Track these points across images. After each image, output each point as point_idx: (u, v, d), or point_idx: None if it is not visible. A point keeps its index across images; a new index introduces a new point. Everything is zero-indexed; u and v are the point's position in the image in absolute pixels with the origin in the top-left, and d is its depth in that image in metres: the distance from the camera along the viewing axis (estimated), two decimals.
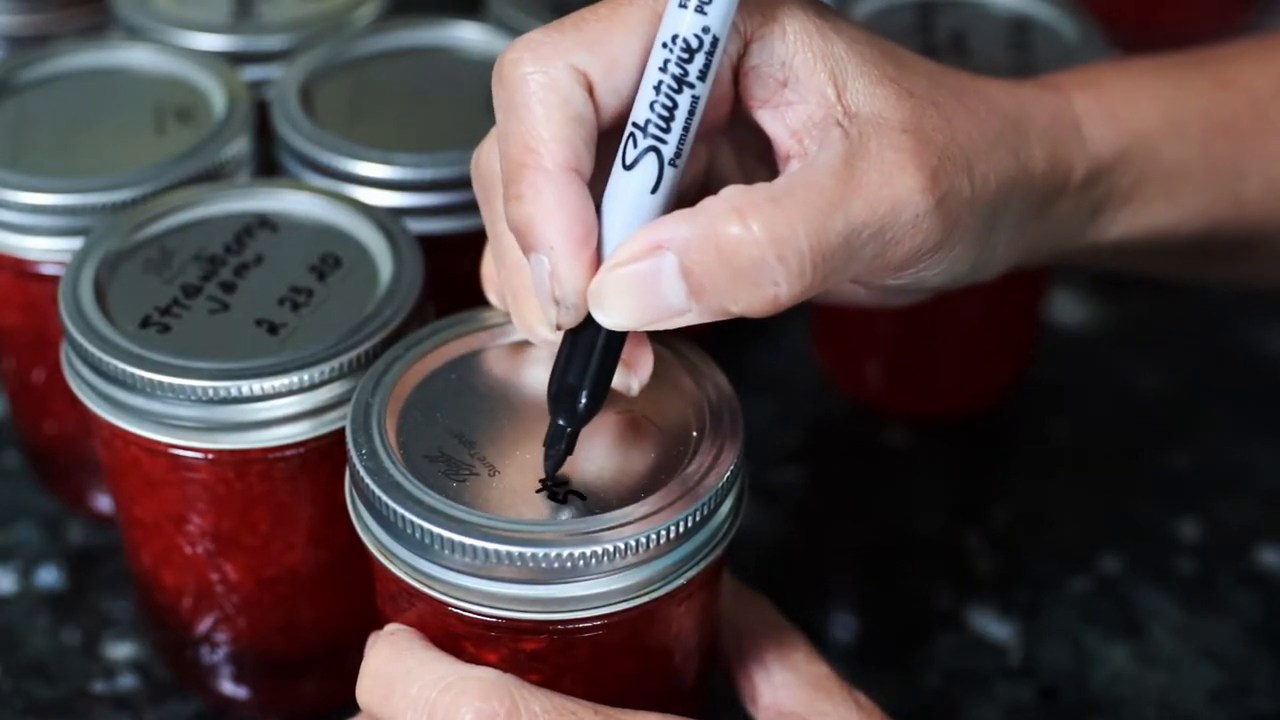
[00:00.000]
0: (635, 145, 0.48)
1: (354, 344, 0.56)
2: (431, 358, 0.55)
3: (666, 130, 0.48)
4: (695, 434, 0.52)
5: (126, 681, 0.66)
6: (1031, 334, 0.80)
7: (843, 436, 0.79)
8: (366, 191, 0.65)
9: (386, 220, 0.61)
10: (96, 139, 0.67)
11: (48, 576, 0.70)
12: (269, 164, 0.69)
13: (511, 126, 0.48)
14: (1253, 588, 0.71)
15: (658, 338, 0.55)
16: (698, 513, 0.49)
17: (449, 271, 0.61)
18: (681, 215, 0.47)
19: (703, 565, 0.51)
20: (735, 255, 0.46)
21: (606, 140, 0.49)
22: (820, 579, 0.71)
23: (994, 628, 0.69)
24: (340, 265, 0.59)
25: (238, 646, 0.61)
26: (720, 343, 0.56)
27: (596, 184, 0.49)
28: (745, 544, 0.58)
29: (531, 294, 0.50)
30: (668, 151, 0.48)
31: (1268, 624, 0.69)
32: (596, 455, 0.51)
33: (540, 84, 0.48)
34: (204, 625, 0.61)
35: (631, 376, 0.52)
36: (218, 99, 0.69)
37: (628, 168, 0.48)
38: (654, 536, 0.49)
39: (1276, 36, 0.64)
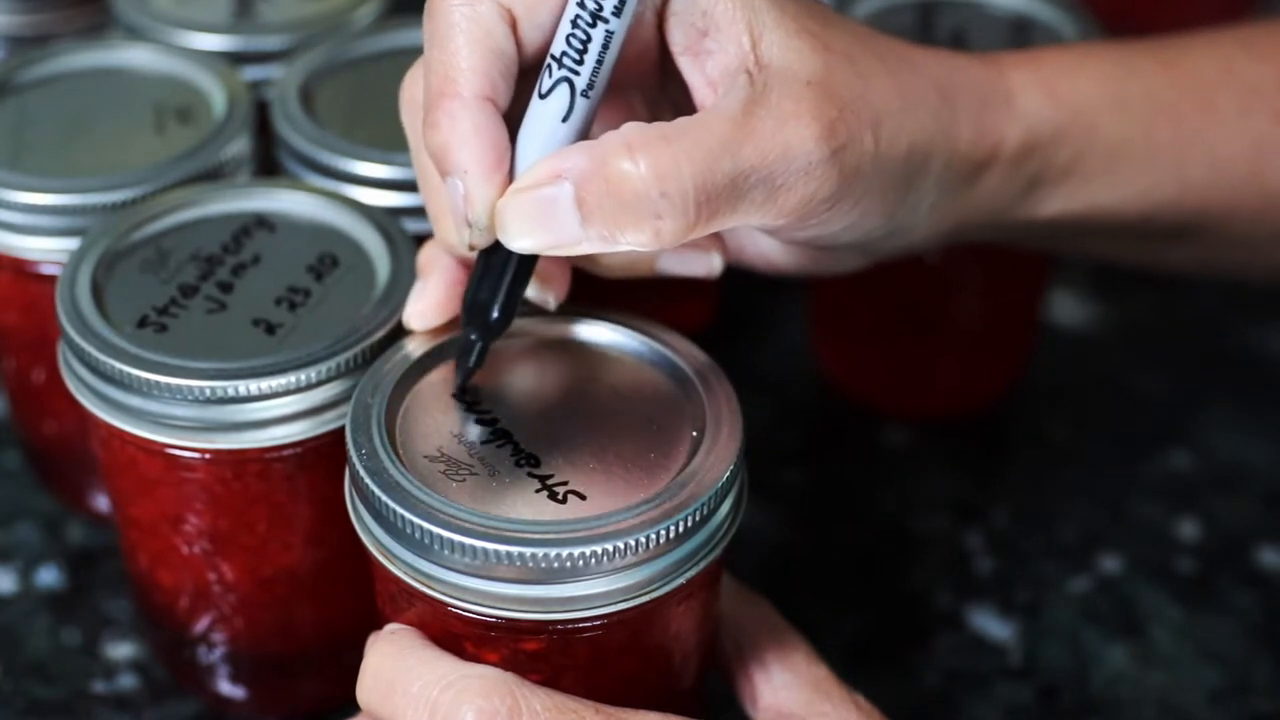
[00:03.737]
0: (550, 75, 0.50)
1: (351, 344, 0.56)
2: (431, 358, 0.55)
3: (580, 62, 0.50)
4: (695, 434, 0.52)
5: (126, 681, 0.66)
6: (1031, 334, 0.80)
7: (843, 436, 0.79)
8: (366, 191, 0.65)
9: (384, 220, 0.61)
10: (96, 139, 0.67)
11: (48, 576, 0.70)
12: (269, 164, 0.69)
13: (434, 57, 0.51)
14: (1253, 588, 0.71)
15: (658, 337, 0.55)
16: (697, 513, 0.49)
17: None
18: (581, 146, 0.49)
19: (702, 565, 0.51)
20: (621, 188, 0.48)
21: (528, 79, 0.51)
22: (820, 579, 0.71)
23: (994, 628, 0.69)
24: (338, 265, 0.59)
25: (235, 646, 0.61)
26: (720, 343, 0.56)
27: (515, 120, 0.51)
28: (745, 544, 0.58)
29: (448, 214, 0.52)
30: (580, 83, 0.50)
31: (1268, 624, 0.69)
32: (597, 455, 0.52)
33: (465, 16, 0.50)
34: (201, 625, 0.61)
35: (548, 292, 0.55)
36: (218, 99, 0.69)
37: (542, 97, 0.50)
38: (654, 536, 0.49)
39: (1228, 28, 0.64)
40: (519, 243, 0.49)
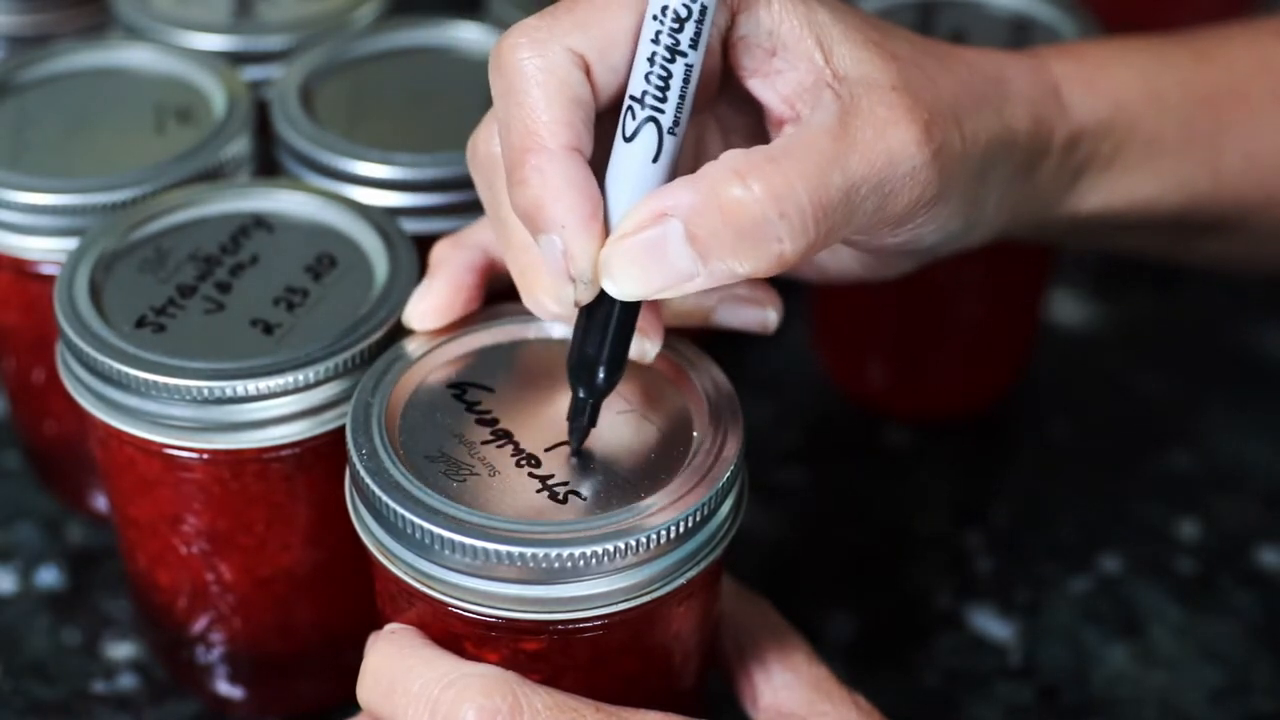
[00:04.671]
0: (634, 117, 0.49)
1: (349, 344, 0.56)
2: (431, 357, 0.55)
3: (663, 100, 0.49)
4: (695, 434, 0.52)
5: (126, 681, 0.66)
6: (1031, 334, 0.80)
7: (843, 436, 0.79)
8: (366, 191, 0.65)
9: (382, 220, 0.61)
10: (96, 139, 0.67)
11: (48, 576, 0.70)
12: (269, 164, 0.69)
13: (512, 112, 0.49)
14: (1253, 588, 0.71)
15: None
16: (697, 513, 0.49)
17: None
18: (683, 181, 0.48)
19: (703, 565, 0.51)
20: (738, 215, 0.47)
21: (604, 122, 0.50)
22: (820, 579, 0.71)
23: (994, 628, 0.69)
24: (336, 265, 0.59)
25: (233, 647, 0.61)
26: (720, 343, 0.56)
27: (597, 165, 0.50)
28: (745, 544, 0.58)
29: (540, 273, 0.51)
30: (666, 120, 0.49)
31: (1268, 624, 0.69)
32: (597, 455, 0.51)
33: (538, 68, 0.49)
34: (199, 625, 0.61)
35: (646, 343, 0.53)
36: (218, 99, 0.69)
37: (628, 139, 0.49)
38: (654, 536, 0.49)
39: (1262, 21, 0.64)
40: (629, 289, 0.48)
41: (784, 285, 0.84)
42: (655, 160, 0.49)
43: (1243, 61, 0.62)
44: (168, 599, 0.61)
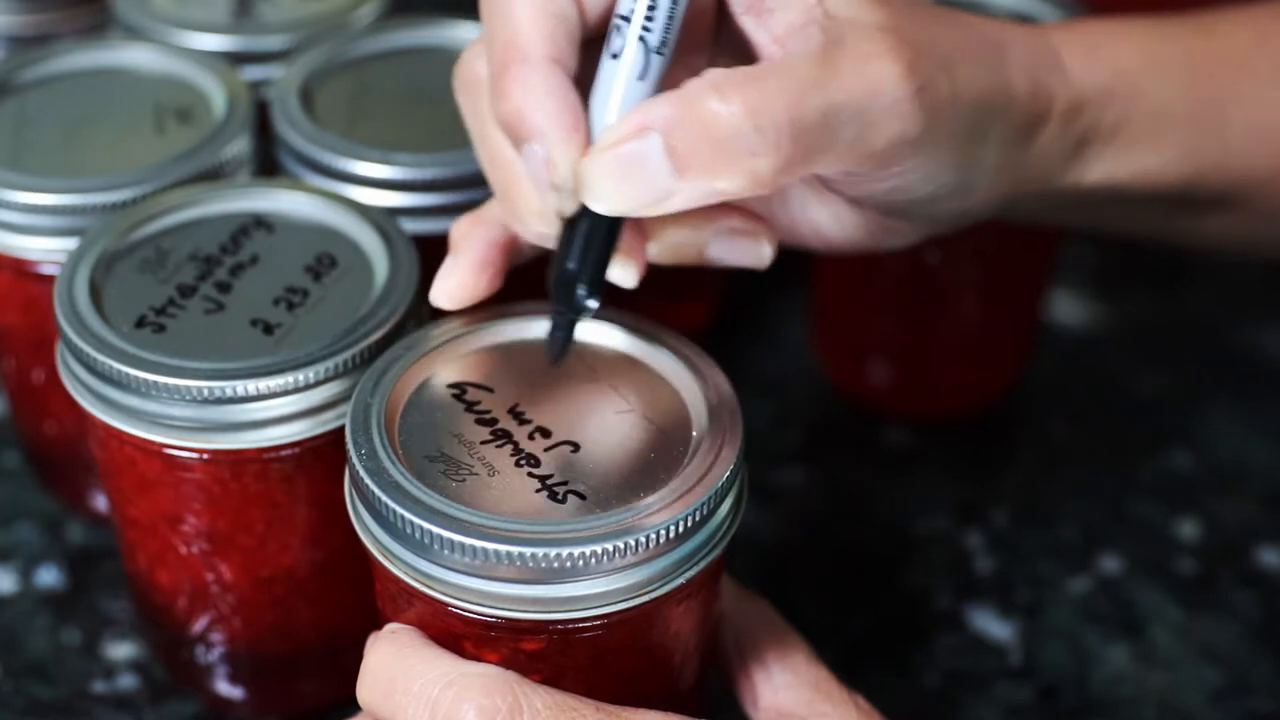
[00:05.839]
0: (621, 35, 0.50)
1: (349, 344, 0.56)
2: (431, 357, 0.55)
3: (651, 19, 0.50)
4: (695, 434, 0.52)
5: (126, 681, 0.66)
6: (1031, 334, 0.80)
7: (843, 436, 0.79)
8: (366, 191, 0.65)
9: (382, 220, 0.61)
10: (96, 139, 0.67)
11: (48, 576, 0.70)
12: (269, 164, 0.69)
13: (497, 27, 0.51)
14: (1253, 588, 0.71)
15: (658, 337, 0.55)
16: (697, 513, 0.49)
17: None
18: (664, 97, 0.49)
19: (702, 565, 0.51)
20: (715, 128, 0.48)
21: (591, 49, 0.51)
22: (820, 579, 0.71)
23: (994, 628, 0.69)
24: (336, 265, 0.59)
25: (233, 647, 0.61)
26: (720, 343, 0.56)
27: (584, 88, 0.50)
28: (745, 544, 0.58)
29: (524, 187, 0.52)
30: (653, 40, 0.50)
31: (1268, 624, 0.69)
32: (596, 455, 0.52)
33: None
34: (199, 625, 0.61)
35: (630, 266, 0.53)
36: (218, 99, 0.69)
37: (614, 57, 0.50)
38: (654, 536, 0.49)
39: (1258, 4, 0.65)
40: (607, 203, 0.49)
41: (785, 283, 0.84)
42: (640, 78, 0.50)
43: (1242, 36, 0.63)
44: (168, 599, 0.61)
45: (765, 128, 0.48)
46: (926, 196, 0.55)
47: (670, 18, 0.50)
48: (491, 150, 0.53)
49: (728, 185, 0.48)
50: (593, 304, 0.52)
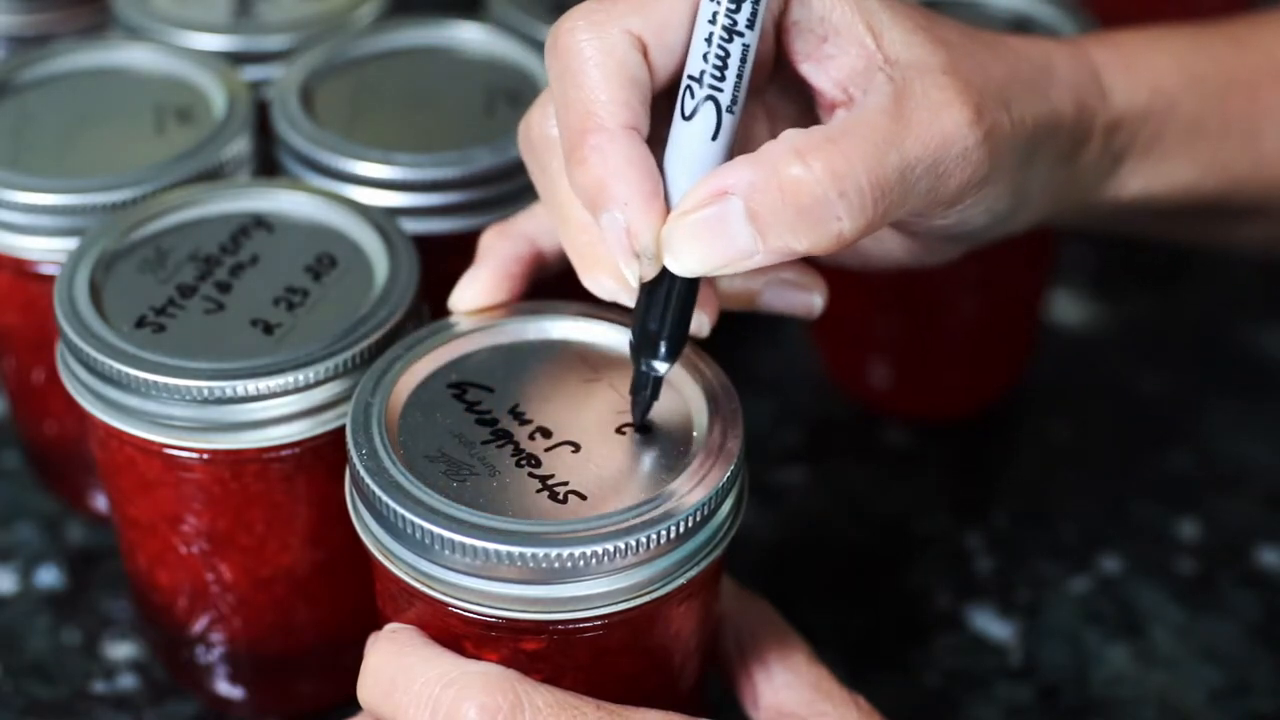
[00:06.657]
0: (693, 96, 0.50)
1: (349, 344, 0.56)
2: (431, 357, 0.55)
3: (721, 79, 0.50)
4: (695, 434, 0.52)
5: (126, 681, 0.66)
6: (1032, 334, 0.80)
7: (843, 436, 0.79)
8: (366, 191, 0.65)
9: (382, 220, 0.61)
10: (96, 139, 0.67)
11: (48, 576, 0.70)
12: (269, 164, 0.69)
13: (570, 93, 0.50)
14: (1253, 588, 0.71)
15: None
16: (698, 513, 0.49)
17: (447, 272, 0.61)
18: (743, 160, 0.49)
19: (703, 565, 0.51)
20: (798, 194, 0.48)
21: (659, 105, 0.51)
22: (820, 579, 0.71)
23: (994, 628, 0.69)
24: (336, 265, 0.59)
25: (233, 647, 0.61)
26: (720, 343, 0.56)
27: (653, 147, 0.50)
28: (745, 544, 0.58)
29: (598, 252, 0.52)
30: (724, 99, 0.50)
31: (1268, 624, 0.69)
32: (597, 455, 0.51)
33: (596, 49, 0.50)
34: (199, 625, 0.61)
35: (703, 318, 0.54)
36: (218, 99, 0.69)
37: (687, 118, 0.50)
38: (654, 536, 0.49)
39: None
40: (690, 265, 0.49)
41: None
42: (714, 138, 0.50)
43: (1275, 47, 0.63)
44: (168, 599, 0.61)
45: (849, 192, 0.48)
46: (986, 224, 0.56)
47: (739, 76, 0.50)
48: (564, 211, 0.53)
49: (809, 247, 0.49)
50: (673, 362, 0.52)
